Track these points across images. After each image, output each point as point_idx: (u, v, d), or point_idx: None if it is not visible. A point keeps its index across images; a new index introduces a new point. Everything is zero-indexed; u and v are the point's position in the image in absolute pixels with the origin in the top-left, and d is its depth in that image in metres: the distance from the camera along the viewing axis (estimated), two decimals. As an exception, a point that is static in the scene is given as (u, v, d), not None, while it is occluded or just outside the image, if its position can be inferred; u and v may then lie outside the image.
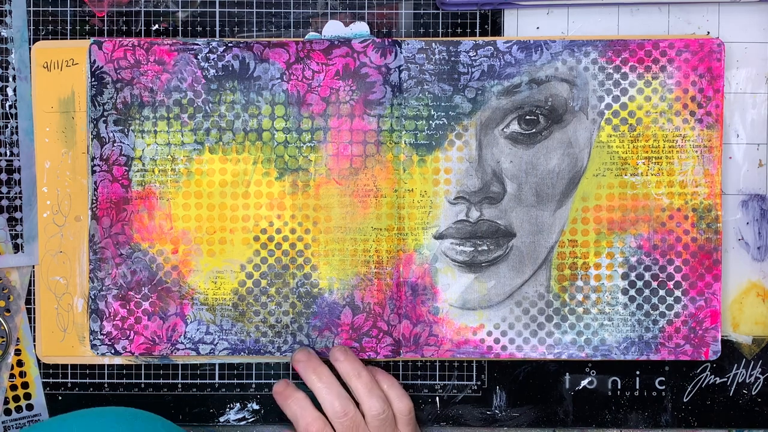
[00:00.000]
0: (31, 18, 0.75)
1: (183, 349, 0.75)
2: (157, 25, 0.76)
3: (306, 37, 0.75)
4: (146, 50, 0.74)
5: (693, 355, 0.75)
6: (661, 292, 0.75)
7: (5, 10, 0.75)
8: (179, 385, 0.77)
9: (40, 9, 0.75)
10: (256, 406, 0.77)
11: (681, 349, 0.75)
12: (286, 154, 0.75)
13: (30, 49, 0.75)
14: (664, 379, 0.77)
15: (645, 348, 0.75)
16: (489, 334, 0.75)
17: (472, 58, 0.74)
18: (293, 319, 0.75)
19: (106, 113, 0.74)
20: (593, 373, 0.77)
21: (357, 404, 0.72)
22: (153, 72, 0.74)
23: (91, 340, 0.75)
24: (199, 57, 0.74)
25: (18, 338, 0.76)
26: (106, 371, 0.77)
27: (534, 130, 0.74)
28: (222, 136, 0.74)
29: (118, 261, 0.74)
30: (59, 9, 0.75)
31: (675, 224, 0.75)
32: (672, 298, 0.75)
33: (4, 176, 0.76)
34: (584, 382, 0.77)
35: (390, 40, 0.74)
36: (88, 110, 0.74)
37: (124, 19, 0.76)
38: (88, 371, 0.77)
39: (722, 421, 0.77)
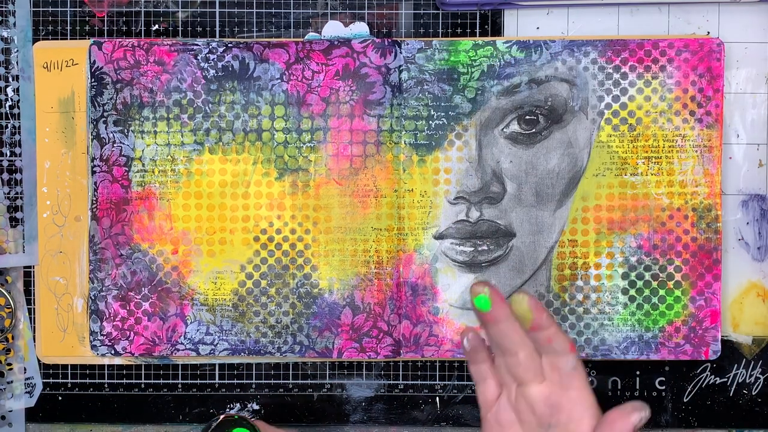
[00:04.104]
0: (31, 18, 0.75)
1: (183, 350, 0.75)
2: (157, 26, 0.76)
3: (306, 37, 0.75)
4: (146, 51, 0.74)
5: (693, 354, 0.75)
6: (661, 292, 0.75)
7: (8, 10, 0.75)
8: (179, 385, 0.77)
9: (41, 9, 0.75)
10: (256, 406, 0.77)
11: (681, 348, 0.75)
12: (286, 154, 0.75)
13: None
14: (664, 379, 0.77)
15: (645, 348, 0.75)
16: (489, 334, 0.75)
17: (472, 58, 0.74)
18: (293, 320, 0.75)
19: (105, 114, 0.74)
20: (593, 373, 0.77)
21: None
22: (153, 72, 0.74)
23: (91, 341, 0.75)
24: (198, 57, 0.74)
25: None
26: (106, 371, 0.77)
27: (534, 130, 0.74)
28: (222, 136, 0.74)
29: (118, 261, 0.75)
30: (59, 9, 0.75)
31: (675, 224, 0.75)
32: (672, 298, 0.75)
33: (5, 176, 0.76)
34: (584, 382, 0.77)
35: (390, 40, 0.74)
36: (87, 111, 0.74)
37: (124, 19, 0.76)
38: (88, 371, 0.77)
39: (722, 421, 0.77)
